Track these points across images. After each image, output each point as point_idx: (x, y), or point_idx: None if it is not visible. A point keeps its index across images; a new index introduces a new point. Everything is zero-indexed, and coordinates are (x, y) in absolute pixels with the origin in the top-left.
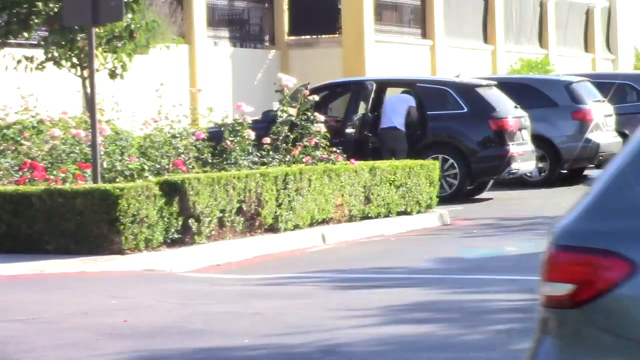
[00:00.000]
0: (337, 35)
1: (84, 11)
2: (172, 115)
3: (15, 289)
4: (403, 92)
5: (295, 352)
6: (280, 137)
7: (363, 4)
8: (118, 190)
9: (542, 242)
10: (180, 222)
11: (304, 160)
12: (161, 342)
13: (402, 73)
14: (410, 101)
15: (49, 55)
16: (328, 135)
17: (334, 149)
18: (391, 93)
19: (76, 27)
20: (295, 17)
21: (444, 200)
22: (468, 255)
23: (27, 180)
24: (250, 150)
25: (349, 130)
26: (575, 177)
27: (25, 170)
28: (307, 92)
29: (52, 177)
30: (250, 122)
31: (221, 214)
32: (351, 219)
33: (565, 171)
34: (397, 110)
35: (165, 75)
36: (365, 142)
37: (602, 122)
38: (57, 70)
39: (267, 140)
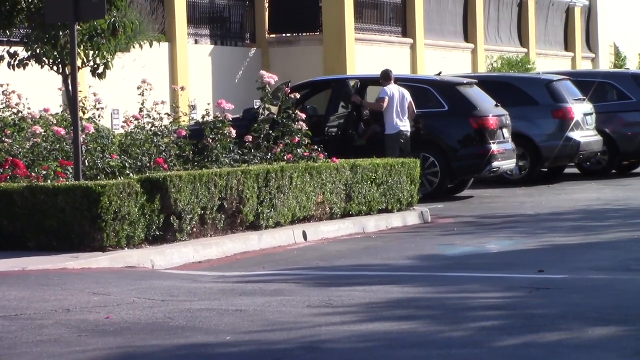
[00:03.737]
0: (317, 33)
1: (66, 8)
2: (154, 112)
3: None
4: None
5: (277, 348)
6: (262, 135)
7: (344, 2)
8: (100, 188)
9: (522, 240)
10: (161, 220)
11: (285, 157)
12: (143, 339)
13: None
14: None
15: (31, 53)
16: (309, 133)
17: (315, 146)
18: (372, 91)
19: (58, 24)
20: (275, 14)
21: (424, 198)
22: (449, 252)
23: (8, 177)
24: (231, 148)
25: (333, 127)
26: (555, 175)
27: (7, 167)
28: (288, 90)
29: (33, 174)
30: (231, 119)
31: (202, 212)
32: (332, 216)
33: (546, 169)
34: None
35: (146, 73)
36: (351, 140)
37: (582, 120)
38: (38, 68)
39: (248, 138)
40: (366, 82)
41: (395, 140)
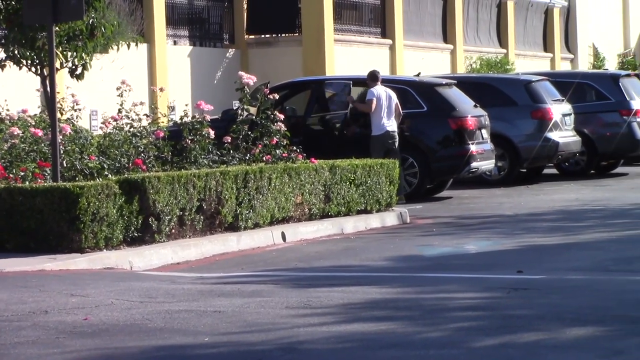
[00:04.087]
0: (296, 34)
1: (44, 9)
2: (132, 114)
3: None
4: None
5: (256, 349)
6: (241, 136)
7: (323, 3)
8: (78, 189)
9: (501, 241)
10: (140, 221)
11: (264, 159)
12: (121, 340)
13: (362, 72)
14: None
15: (9, 54)
16: (288, 134)
17: (294, 147)
18: (355, 92)
19: (36, 25)
20: (254, 16)
21: (403, 202)
22: (427, 253)
23: None
24: (210, 149)
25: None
26: (534, 176)
27: None
28: (267, 91)
29: (11, 175)
30: (210, 120)
31: (181, 213)
32: (311, 217)
33: (525, 170)
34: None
35: (125, 74)
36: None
37: (561, 121)
38: (17, 69)
39: (227, 139)
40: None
41: (381, 141)
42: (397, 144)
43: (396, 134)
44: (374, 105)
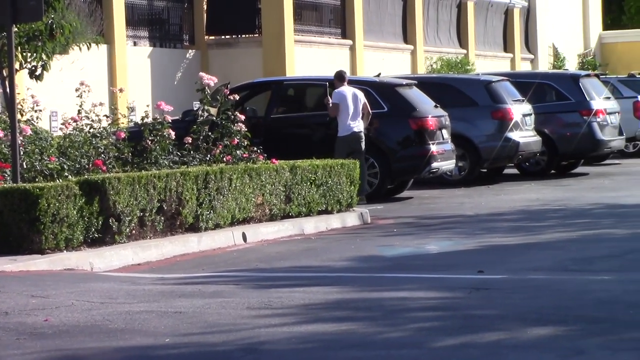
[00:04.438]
0: (256, 35)
1: (3, 10)
2: (92, 115)
3: None
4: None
5: (217, 350)
6: (201, 137)
7: (283, 4)
8: (38, 190)
9: (462, 241)
10: (100, 222)
11: (224, 159)
12: (82, 341)
13: (322, 72)
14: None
15: None
16: (249, 134)
17: (255, 148)
18: (311, 92)
19: None
20: (214, 16)
21: (364, 202)
22: (388, 253)
23: None
24: (170, 150)
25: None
26: (495, 176)
27: None
28: (227, 92)
29: None
30: (171, 121)
31: (142, 214)
32: (272, 218)
33: (485, 170)
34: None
35: (85, 75)
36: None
37: (521, 121)
38: None
39: (188, 139)
40: (305, 84)
41: (347, 142)
42: (363, 145)
43: (362, 135)
44: (337, 111)
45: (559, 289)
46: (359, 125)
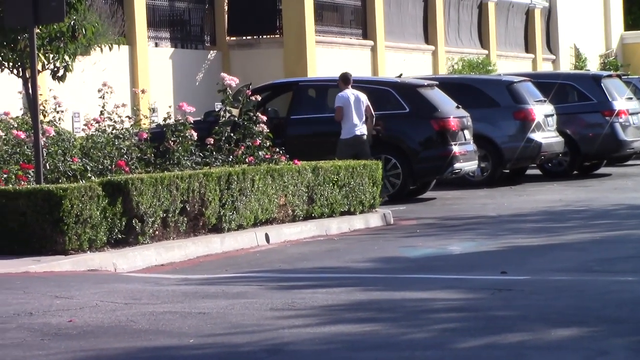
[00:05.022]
0: (278, 35)
1: (25, 12)
2: (115, 115)
3: None
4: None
5: (241, 351)
6: (223, 138)
7: (304, 5)
8: (61, 191)
9: (485, 242)
10: (123, 223)
11: (247, 160)
12: (107, 342)
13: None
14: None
15: None
16: (271, 135)
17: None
18: (332, 93)
19: (17, 28)
20: (235, 17)
21: (387, 200)
22: (411, 254)
23: None
24: (193, 151)
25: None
26: (517, 177)
27: None
28: (249, 93)
29: None
30: (193, 122)
31: (165, 214)
32: (294, 219)
33: (507, 171)
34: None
35: (107, 76)
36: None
37: (543, 121)
38: None
39: (210, 140)
40: (326, 84)
41: (349, 145)
42: (368, 148)
43: (365, 137)
44: (341, 114)
45: (582, 290)
46: (361, 129)
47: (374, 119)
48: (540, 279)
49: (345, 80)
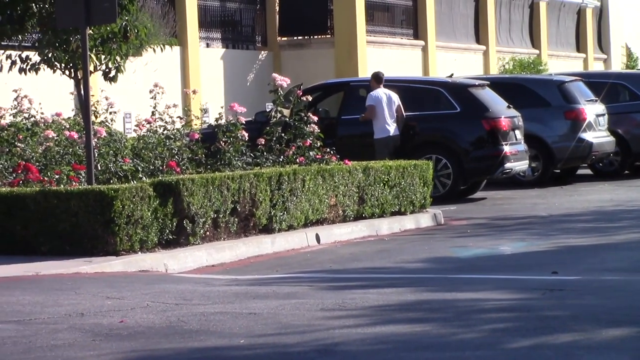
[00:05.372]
0: (329, 36)
1: (77, 13)
2: (166, 116)
3: (11, 291)
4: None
5: (292, 351)
6: (274, 138)
7: (355, 5)
8: (112, 192)
9: (536, 242)
10: (174, 223)
11: (297, 160)
12: (157, 343)
13: (394, 73)
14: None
15: (43, 57)
16: (321, 135)
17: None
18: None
19: (70, 29)
20: (286, 18)
21: (437, 200)
22: (462, 254)
23: (21, 181)
24: (244, 151)
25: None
26: (568, 177)
27: (20, 171)
28: (300, 93)
29: (46, 178)
30: (244, 122)
31: (215, 215)
32: (345, 219)
33: (558, 170)
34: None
35: (158, 77)
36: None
37: (594, 121)
38: (50, 72)
39: (261, 140)
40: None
41: (385, 144)
42: (395, 147)
43: (397, 138)
44: (373, 113)
45: (634, 290)
46: (394, 128)
47: (404, 120)
48: (592, 279)
49: (377, 79)
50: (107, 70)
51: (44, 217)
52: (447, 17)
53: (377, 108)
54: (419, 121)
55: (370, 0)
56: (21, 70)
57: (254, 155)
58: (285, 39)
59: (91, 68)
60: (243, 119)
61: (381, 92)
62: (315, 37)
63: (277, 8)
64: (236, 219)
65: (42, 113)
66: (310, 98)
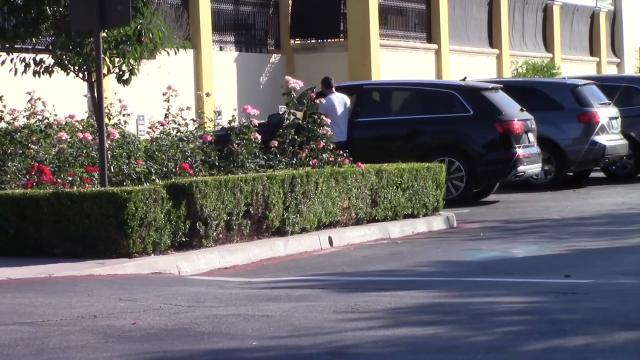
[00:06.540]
0: (342, 39)
1: (91, 16)
2: (179, 118)
3: (24, 293)
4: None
5: (304, 354)
6: (287, 140)
7: (368, 8)
8: (126, 194)
9: (548, 245)
10: (187, 226)
11: (310, 163)
12: (170, 344)
13: (407, 77)
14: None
15: (57, 60)
16: (334, 138)
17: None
18: (396, 97)
19: (83, 31)
20: (299, 21)
21: (450, 203)
22: (475, 257)
23: (34, 183)
24: (257, 153)
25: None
26: (581, 180)
27: (33, 173)
28: (313, 96)
29: (59, 180)
30: (257, 125)
31: (228, 217)
32: (358, 221)
33: (571, 174)
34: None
35: (171, 79)
36: None
37: (607, 124)
38: (64, 75)
39: (274, 143)
40: (391, 88)
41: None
42: None
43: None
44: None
45: None
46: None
47: None
48: (604, 282)
49: (327, 84)
50: (120, 73)
51: (57, 219)
52: (460, 20)
53: (330, 113)
54: (432, 124)
55: (383, 4)
56: (35, 73)
57: (267, 157)
58: (298, 42)
59: (105, 71)
60: (256, 122)
61: (334, 97)
62: (329, 40)
63: (290, 11)
64: (249, 222)
65: (55, 115)
66: (323, 101)
